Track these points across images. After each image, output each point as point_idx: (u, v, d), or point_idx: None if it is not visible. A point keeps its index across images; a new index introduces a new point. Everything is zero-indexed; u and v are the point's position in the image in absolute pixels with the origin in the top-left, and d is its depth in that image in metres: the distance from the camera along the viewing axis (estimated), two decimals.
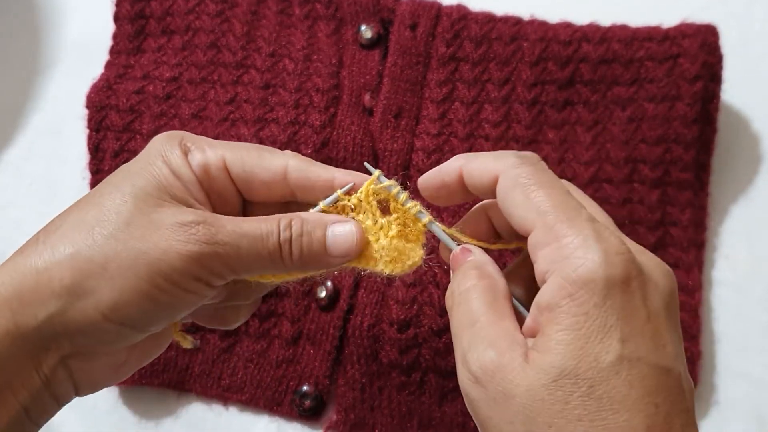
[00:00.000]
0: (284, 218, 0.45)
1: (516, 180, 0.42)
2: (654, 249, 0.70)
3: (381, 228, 0.47)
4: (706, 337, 0.71)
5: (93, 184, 0.73)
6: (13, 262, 0.41)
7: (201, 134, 0.71)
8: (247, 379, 0.69)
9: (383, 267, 0.47)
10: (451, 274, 0.45)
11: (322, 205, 0.46)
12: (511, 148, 0.71)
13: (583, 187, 0.70)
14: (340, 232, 0.46)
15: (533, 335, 0.40)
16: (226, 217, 0.43)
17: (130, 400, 0.70)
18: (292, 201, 0.48)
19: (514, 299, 0.44)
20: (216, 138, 0.70)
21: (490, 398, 0.38)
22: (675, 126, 0.71)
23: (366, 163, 0.49)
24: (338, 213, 0.47)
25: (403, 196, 0.47)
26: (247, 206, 0.48)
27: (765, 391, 0.69)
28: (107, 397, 0.70)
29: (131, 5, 0.77)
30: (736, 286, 0.72)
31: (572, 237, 0.39)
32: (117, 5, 0.77)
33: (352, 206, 0.47)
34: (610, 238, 0.39)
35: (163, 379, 0.70)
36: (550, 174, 0.42)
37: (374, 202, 0.47)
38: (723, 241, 0.74)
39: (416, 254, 0.47)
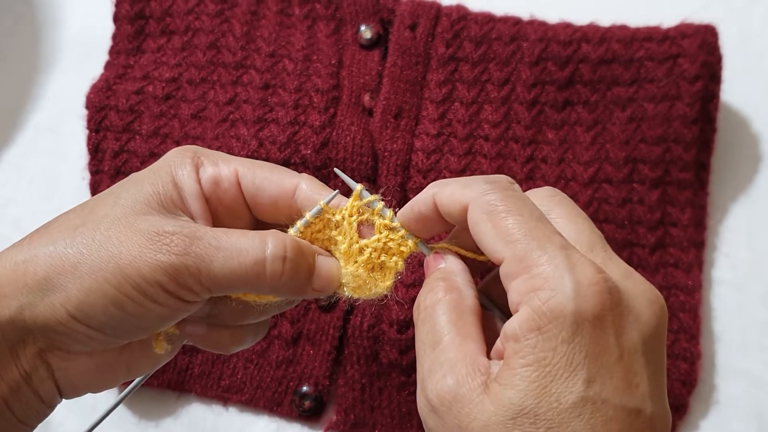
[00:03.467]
0: (275, 236, 0.43)
1: (484, 208, 0.40)
2: (654, 249, 0.70)
3: (353, 254, 0.46)
4: (706, 336, 0.71)
5: (92, 184, 0.73)
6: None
7: (200, 135, 0.72)
8: (246, 379, 0.69)
9: (349, 292, 0.46)
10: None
11: (308, 216, 0.45)
12: (511, 148, 0.71)
13: (583, 187, 0.71)
14: (326, 265, 0.45)
15: (500, 357, 0.38)
16: (208, 228, 0.42)
17: (130, 400, 0.70)
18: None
19: (496, 311, 0.43)
20: (215, 138, 0.71)
21: (446, 429, 0.37)
22: (675, 126, 0.71)
23: (336, 169, 0.48)
24: (322, 226, 0.46)
25: (389, 213, 0.46)
26: (257, 227, 0.48)
27: (765, 390, 0.69)
28: (107, 398, 0.70)
29: (131, 5, 0.77)
30: (736, 285, 0.72)
31: (544, 266, 0.37)
32: (116, 5, 0.77)
33: (336, 223, 0.46)
34: (584, 267, 0.37)
35: (162, 380, 0.70)
36: (522, 198, 0.40)
37: (355, 224, 0.46)
38: (723, 240, 0.74)
39: (382, 285, 0.46)
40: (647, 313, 0.38)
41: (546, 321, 0.36)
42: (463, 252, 0.45)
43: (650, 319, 0.38)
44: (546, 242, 0.38)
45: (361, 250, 0.46)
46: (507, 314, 0.41)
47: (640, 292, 0.39)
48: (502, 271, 0.39)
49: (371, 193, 0.46)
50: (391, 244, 0.46)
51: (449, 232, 0.47)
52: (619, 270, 0.40)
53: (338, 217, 0.46)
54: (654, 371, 0.38)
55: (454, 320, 0.40)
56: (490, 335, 0.41)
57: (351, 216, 0.46)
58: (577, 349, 0.35)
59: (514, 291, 0.38)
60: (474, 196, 0.41)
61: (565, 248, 0.38)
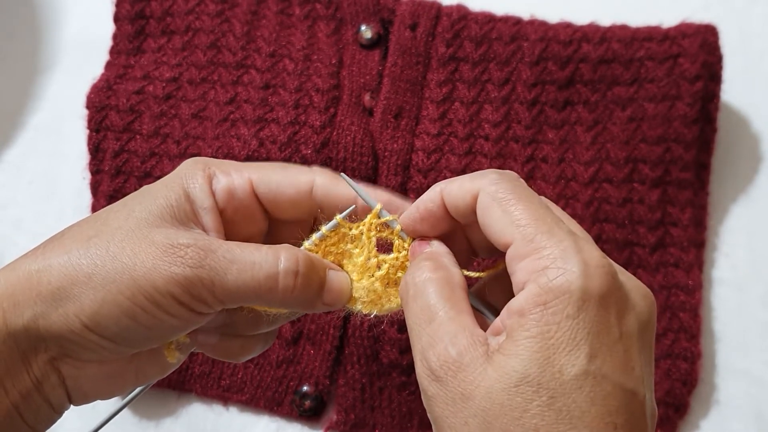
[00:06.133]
0: (288, 250, 0.44)
1: (495, 195, 0.41)
2: (654, 249, 0.70)
3: (369, 268, 0.46)
4: (707, 336, 0.71)
5: (93, 184, 0.73)
6: (12, 265, 0.42)
7: (201, 134, 0.72)
8: (247, 379, 0.69)
9: (361, 306, 0.46)
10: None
11: (324, 230, 0.46)
12: (511, 148, 0.71)
13: (583, 186, 0.71)
14: (337, 280, 0.46)
15: (496, 334, 0.39)
16: (222, 242, 0.43)
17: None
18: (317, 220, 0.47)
19: (474, 299, 0.44)
20: (216, 138, 0.71)
21: (448, 397, 0.38)
22: (675, 126, 0.71)
23: (344, 177, 0.47)
24: (338, 240, 0.46)
25: (409, 238, 0.46)
26: (272, 226, 0.48)
27: (765, 390, 0.69)
28: (109, 399, 0.70)
29: (131, 5, 0.77)
30: (736, 285, 0.72)
31: (552, 248, 0.38)
32: (117, 5, 0.77)
33: (352, 237, 0.46)
34: (591, 250, 0.38)
35: (163, 380, 0.69)
36: (530, 190, 0.42)
37: (374, 239, 0.46)
38: (723, 240, 0.74)
39: (395, 301, 0.46)
40: (641, 305, 0.40)
41: (552, 297, 0.37)
42: (485, 273, 0.46)
43: (644, 311, 0.40)
44: (554, 227, 0.39)
45: (378, 265, 0.46)
46: (496, 315, 0.42)
47: (635, 286, 0.40)
48: (510, 253, 0.40)
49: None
50: (408, 263, 0.46)
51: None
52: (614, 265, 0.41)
53: (355, 231, 0.46)
54: (645, 361, 0.39)
55: (446, 295, 0.41)
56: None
57: (370, 231, 0.46)
58: (581, 325, 0.36)
59: (522, 271, 0.39)
60: (484, 184, 0.42)
61: (572, 234, 0.39)
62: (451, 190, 0.43)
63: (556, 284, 0.37)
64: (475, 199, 0.42)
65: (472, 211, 0.42)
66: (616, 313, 0.38)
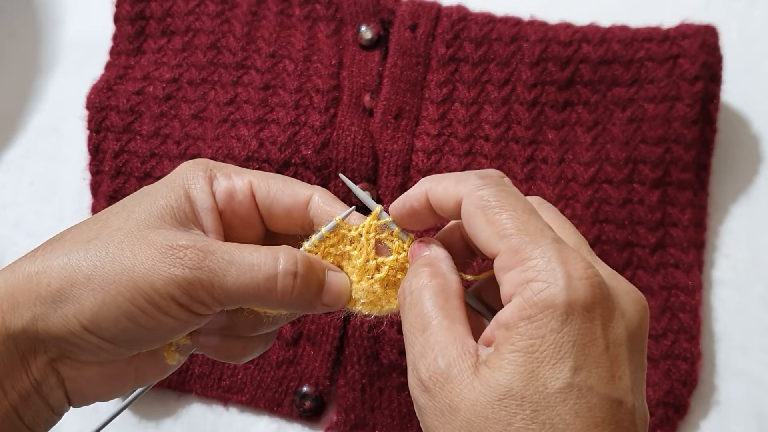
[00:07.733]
0: (286, 251, 0.44)
1: (478, 203, 0.40)
2: (654, 249, 0.70)
3: (368, 270, 0.46)
4: (706, 336, 0.71)
5: (93, 185, 0.74)
6: (12, 266, 0.42)
7: (201, 135, 0.72)
8: (247, 379, 0.69)
9: (360, 308, 0.46)
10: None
11: (324, 230, 0.46)
12: (511, 149, 0.72)
13: (583, 187, 0.71)
14: (336, 281, 0.46)
15: (488, 344, 0.39)
16: (221, 243, 0.43)
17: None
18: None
19: (473, 300, 0.44)
20: (216, 138, 0.72)
21: (436, 408, 0.38)
22: (675, 126, 0.71)
23: (342, 178, 0.47)
24: (337, 241, 0.46)
25: (409, 237, 0.46)
26: (265, 239, 0.48)
27: (765, 390, 0.69)
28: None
29: (131, 6, 0.77)
30: (736, 285, 0.72)
31: (537, 259, 0.38)
32: (117, 6, 0.77)
33: (351, 238, 0.46)
34: (575, 261, 0.38)
35: (163, 380, 0.69)
36: (515, 193, 0.41)
37: (373, 241, 0.46)
38: (723, 240, 0.74)
39: (395, 302, 0.46)
40: (631, 311, 0.40)
41: (537, 311, 0.37)
42: (481, 277, 0.46)
43: (634, 317, 0.39)
44: (539, 236, 0.39)
45: (378, 267, 0.46)
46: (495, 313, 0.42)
47: (625, 292, 0.40)
48: (497, 264, 0.40)
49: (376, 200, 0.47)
50: (407, 264, 0.46)
51: (440, 227, 0.48)
52: (605, 271, 0.41)
53: (354, 233, 0.46)
54: (636, 367, 0.39)
55: (441, 304, 0.41)
56: (476, 333, 0.41)
57: (369, 233, 0.46)
58: (566, 338, 0.37)
59: (508, 283, 0.39)
60: (467, 192, 0.41)
61: (557, 242, 0.39)
62: (436, 193, 0.43)
63: (540, 298, 0.37)
64: (460, 204, 0.42)
65: (459, 214, 0.42)
66: (602, 324, 0.38)
